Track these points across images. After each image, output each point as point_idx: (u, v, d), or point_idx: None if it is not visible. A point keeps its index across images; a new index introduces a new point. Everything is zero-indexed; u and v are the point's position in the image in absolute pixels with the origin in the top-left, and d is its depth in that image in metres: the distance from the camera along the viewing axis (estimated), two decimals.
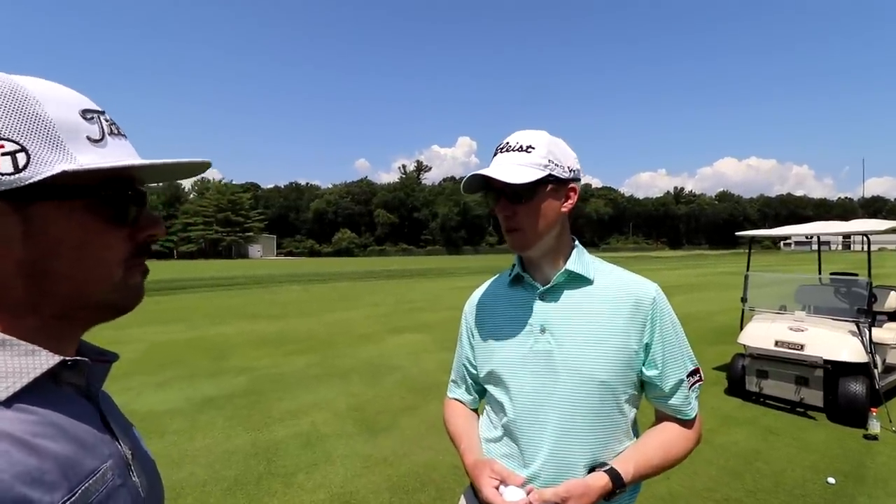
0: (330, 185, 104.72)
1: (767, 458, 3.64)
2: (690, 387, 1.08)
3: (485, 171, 1.00)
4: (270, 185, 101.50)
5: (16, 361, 0.47)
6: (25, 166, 0.45)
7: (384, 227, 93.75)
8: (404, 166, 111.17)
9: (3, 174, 0.45)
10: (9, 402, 0.45)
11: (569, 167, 1.05)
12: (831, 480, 3.26)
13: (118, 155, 0.52)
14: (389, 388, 5.49)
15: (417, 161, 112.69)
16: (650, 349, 1.05)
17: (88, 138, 0.50)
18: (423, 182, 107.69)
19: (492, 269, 31.61)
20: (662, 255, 62.70)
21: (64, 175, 0.47)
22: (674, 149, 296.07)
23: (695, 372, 1.09)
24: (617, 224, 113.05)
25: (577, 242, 1.13)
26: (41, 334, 0.50)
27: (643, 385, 1.09)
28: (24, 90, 0.47)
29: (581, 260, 1.10)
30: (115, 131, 0.54)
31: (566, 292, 1.08)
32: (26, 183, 0.45)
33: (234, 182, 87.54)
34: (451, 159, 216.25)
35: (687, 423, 1.10)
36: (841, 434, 4.07)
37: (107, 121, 0.53)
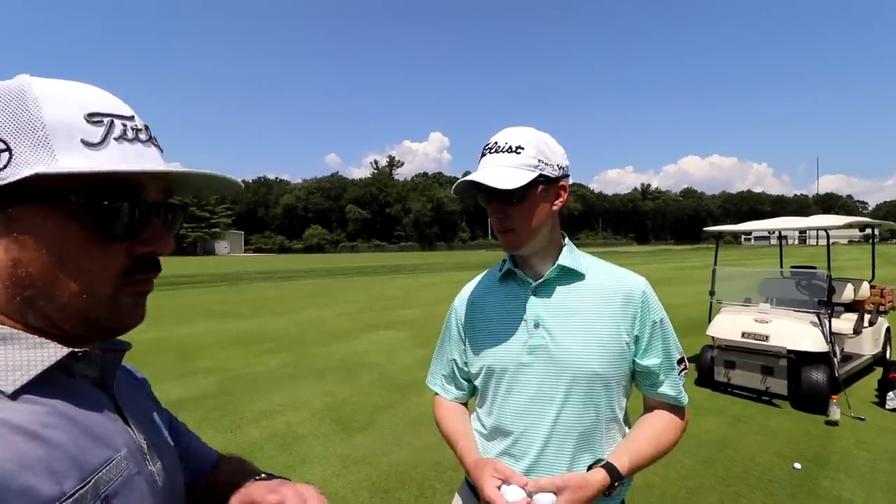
0: (300, 181, 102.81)
1: (737, 446, 3.77)
2: (679, 374, 1.11)
3: (475, 177, 0.99)
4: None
5: (23, 354, 0.47)
6: (6, 166, 0.45)
7: (356, 223, 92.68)
8: (376, 161, 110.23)
9: None
10: (17, 394, 0.46)
11: (558, 165, 1.04)
12: (797, 466, 3.39)
13: (119, 160, 0.49)
14: (366, 387, 5.41)
15: (390, 156, 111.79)
16: (641, 340, 1.07)
17: (83, 141, 0.47)
18: (396, 177, 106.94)
19: (466, 264, 31.73)
20: (631, 251, 64.42)
21: (40, 177, 0.45)
22: (640, 146, 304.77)
23: (681, 360, 1.12)
24: (587, 220, 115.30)
25: (566, 239, 1.14)
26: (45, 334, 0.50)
27: (634, 375, 1.11)
28: (28, 91, 0.47)
29: (572, 255, 1.11)
30: (135, 137, 0.51)
31: (559, 287, 1.09)
32: (2, 183, 0.45)
33: None
34: (423, 154, 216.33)
35: (678, 411, 1.12)
36: (804, 421, 4.25)
37: (126, 125, 0.51)
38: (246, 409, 4.72)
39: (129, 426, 0.56)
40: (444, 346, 1.26)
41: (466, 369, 1.19)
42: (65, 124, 0.47)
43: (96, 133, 0.48)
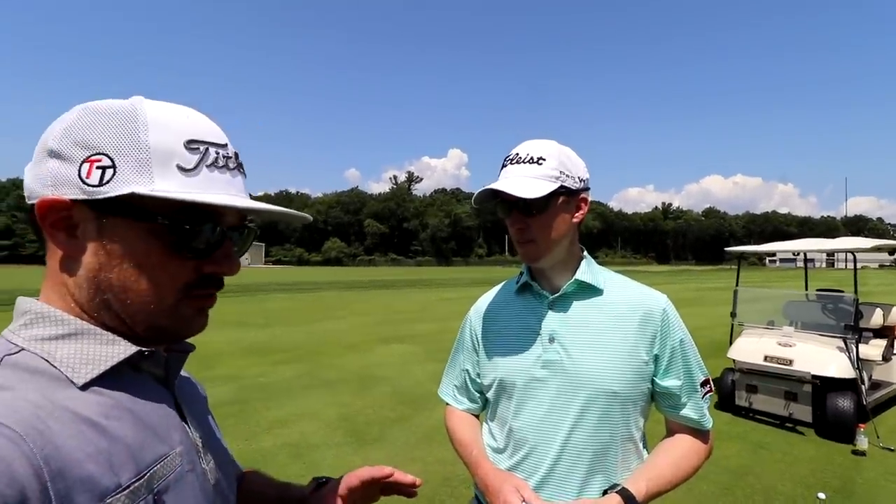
0: (320, 194, 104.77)
1: (758, 473, 3.65)
2: (703, 397, 1.07)
3: (496, 186, 1.00)
4: (260, 193, 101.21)
5: (97, 349, 0.51)
6: (108, 181, 0.49)
7: (374, 236, 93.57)
8: (395, 177, 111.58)
9: (89, 184, 0.49)
10: (87, 386, 0.49)
11: (579, 177, 1.05)
12: (822, 495, 3.26)
13: (208, 187, 0.53)
14: (379, 399, 5.42)
15: (409, 172, 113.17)
16: (661, 360, 1.04)
17: (178, 166, 0.51)
18: (414, 193, 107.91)
19: (482, 280, 31.63)
20: (651, 270, 63.34)
21: (134, 196, 0.49)
22: (661, 165, 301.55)
23: (706, 382, 1.09)
24: (605, 238, 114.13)
25: (585, 252, 1.13)
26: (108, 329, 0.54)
27: (654, 396, 1.08)
28: (139, 114, 0.51)
29: (591, 270, 1.09)
30: (224, 164, 0.55)
31: (576, 302, 1.07)
32: (102, 196, 0.49)
33: None
34: (441, 171, 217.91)
35: (702, 436, 1.09)
36: (829, 449, 4.10)
37: (218, 153, 0.54)
38: (261, 417, 4.76)
39: (187, 424, 0.59)
40: (457, 356, 1.26)
41: (479, 381, 1.18)
42: (166, 149, 0.51)
43: (191, 160, 0.52)
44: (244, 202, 0.54)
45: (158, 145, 0.51)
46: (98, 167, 0.49)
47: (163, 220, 0.51)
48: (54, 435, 0.43)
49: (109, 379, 0.51)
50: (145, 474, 0.48)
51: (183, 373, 0.67)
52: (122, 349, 0.52)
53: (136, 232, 0.51)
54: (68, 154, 0.50)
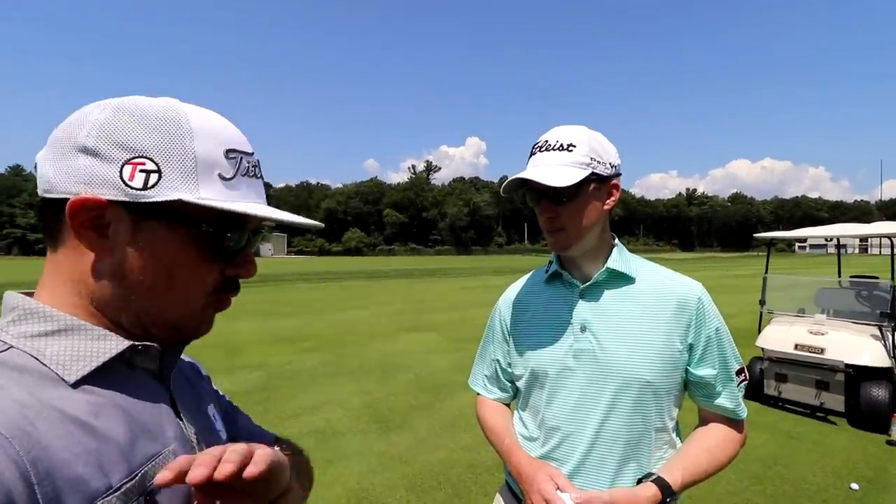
0: (340, 185, 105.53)
1: (788, 463, 3.59)
2: (738, 385, 1.06)
3: (525, 175, 0.98)
4: (282, 184, 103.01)
5: (88, 345, 0.50)
6: (153, 186, 0.49)
7: (393, 226, 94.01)
8: (414, 166, 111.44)
9: (132, 187, 0.49)
10: (78, 384, 0.48)
11: (610, 163, 1.02)
12: (854, 486, 3.19)
13: (243, 195, 0.55)
14: (402, 387, 5.50)
15: (427, 161, 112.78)
16: (696, 349, 1.02)
17: (220, 175, 0.53)
18: (433, 182, 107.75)
19: (502, 269, 31.50)
20: (674, 258, 62.03)
21: (179, 203, 0.50)
22: (685, 150, 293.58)
23: (741, 371, 1.07)
24: (627, 225, 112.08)
25: (616, 240, 1.11)
26: (117, 329, 0.54)
27: (688, 385, 1.07)
28: (185, 121, 0.52)
29: (622, 258, 1.08)
30: (252, 173, 0.57)
31: (607, 291, 1.06)
32: (147, 200, 0.49)
33: None
34: (459, 159, 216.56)
35: (736, 425, 1.07)
36: (863, 440, 4.00)
37: (248, 162, 0.57)
38: (287, 404, 4.89)
39: (182, 419, 0.58)
40: (487, 346, 1.25)
41: (510, 370, 1.18)
42: (210, 158, 0.52)
43: (230, 169, 0.54)
44: (286, 215, 0.57)
45: (204, 154, 0.52)
46: (142, 171, 0.49)
47: (207, 227, 0.52)
48: (42, 436, 0.42)
49: (100, 376, 0.50)
50: (137, 474, 0.47)
51: (184, 356, 0.66)
52: (114, 344, 0.51)
53: (175, 236, 0.52)
54: (107, 153, 0.49)
